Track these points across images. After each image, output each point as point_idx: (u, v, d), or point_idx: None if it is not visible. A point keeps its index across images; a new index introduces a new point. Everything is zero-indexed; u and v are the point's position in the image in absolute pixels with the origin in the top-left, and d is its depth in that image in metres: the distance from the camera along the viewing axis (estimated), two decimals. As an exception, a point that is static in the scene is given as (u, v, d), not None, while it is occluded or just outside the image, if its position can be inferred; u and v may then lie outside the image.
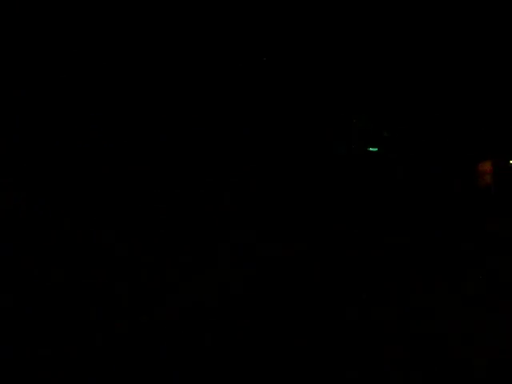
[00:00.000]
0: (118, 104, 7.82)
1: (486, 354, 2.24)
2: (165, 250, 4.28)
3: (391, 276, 3.74)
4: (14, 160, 6.79)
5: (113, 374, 2.09)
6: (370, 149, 9.32)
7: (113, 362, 2.20)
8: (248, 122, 7.53)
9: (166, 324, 2.61)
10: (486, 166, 9.28)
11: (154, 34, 8.19)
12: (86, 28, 7.56)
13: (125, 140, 7.15)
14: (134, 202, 6.08)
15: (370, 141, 9.47)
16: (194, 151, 7.10)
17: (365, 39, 8.73)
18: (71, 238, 4.74)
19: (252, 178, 6.72)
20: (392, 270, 3.91)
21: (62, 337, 2.48)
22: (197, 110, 7.49)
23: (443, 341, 2.40)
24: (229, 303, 2.97)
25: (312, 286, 3.41)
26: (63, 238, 4.86)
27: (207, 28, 7.75)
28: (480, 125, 9.11)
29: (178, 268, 3.85)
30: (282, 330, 2.56)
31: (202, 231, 4.95)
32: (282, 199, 6.63)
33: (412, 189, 9.20)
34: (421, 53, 9.26)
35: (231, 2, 7.49)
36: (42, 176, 6.86)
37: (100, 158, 7.04)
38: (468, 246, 4.79)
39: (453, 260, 4.22)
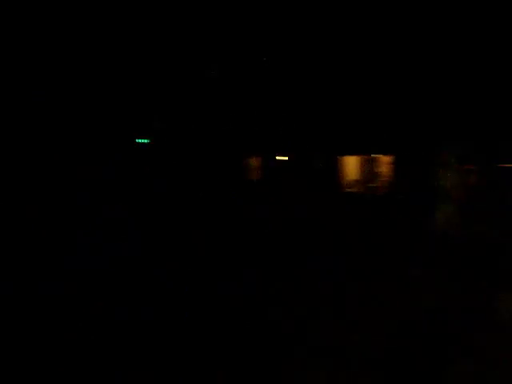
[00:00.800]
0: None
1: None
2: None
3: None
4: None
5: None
6: (140, 140, 8.91)
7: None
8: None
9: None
10: (254, 162, 9.85)
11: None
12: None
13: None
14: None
15: (141, 132, 8.90)
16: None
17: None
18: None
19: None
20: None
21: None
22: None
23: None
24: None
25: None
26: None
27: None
28: (251, 124, 9.06)
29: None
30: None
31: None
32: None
33: (182, 180, 9.28)
34: (197, 51, 8.79)
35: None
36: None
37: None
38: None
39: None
